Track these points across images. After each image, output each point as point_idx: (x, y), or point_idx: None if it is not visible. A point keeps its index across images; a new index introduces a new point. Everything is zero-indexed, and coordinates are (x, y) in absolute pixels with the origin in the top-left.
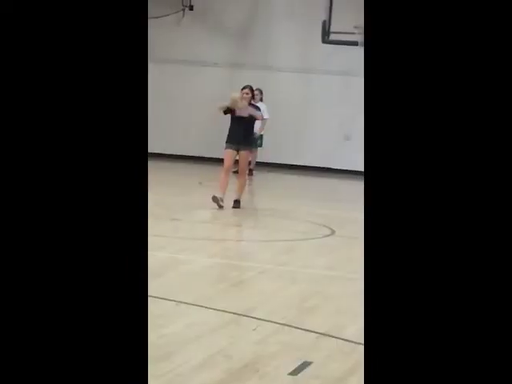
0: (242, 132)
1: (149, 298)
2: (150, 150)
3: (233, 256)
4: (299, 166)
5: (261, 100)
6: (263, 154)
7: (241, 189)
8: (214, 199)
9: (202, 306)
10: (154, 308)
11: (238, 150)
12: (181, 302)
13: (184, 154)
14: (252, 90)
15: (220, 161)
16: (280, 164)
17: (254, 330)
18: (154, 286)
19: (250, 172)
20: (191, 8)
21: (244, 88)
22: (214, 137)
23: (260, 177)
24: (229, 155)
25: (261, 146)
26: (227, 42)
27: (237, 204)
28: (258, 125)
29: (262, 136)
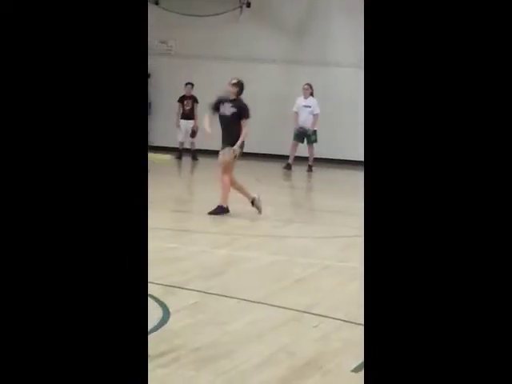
0: (224, 132)
1: (211, 296)
2: (208, 148)
3: (294, 253)
4: (357, 161)
5: (311, 95)
6: (321, 150)
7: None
8: (256, 205)
9: (263, 303)
10: (216, 305)
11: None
12: (242, 300)
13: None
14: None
15: (276, 157)
16: (338, 160)
17: (314, 326)
18: (215, 284)
19: (310, 168)
20: (248, 5)
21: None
22: (271, 133)
23: (319, 173)
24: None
25: (315, 141)
26: (285, 38)
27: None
28: (310, 120)
29: (315, 131)
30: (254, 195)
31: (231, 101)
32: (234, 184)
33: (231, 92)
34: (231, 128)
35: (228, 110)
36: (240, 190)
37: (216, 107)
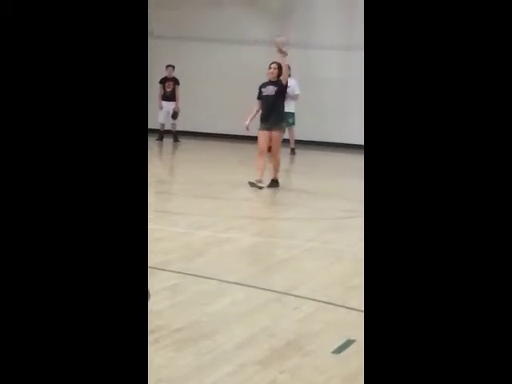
0: (269, 111)
1: (191, 277)
2: (189, 129)
3: (276, 234)
4: (341, 143)
5: (289, 76)
6: (304, 133)
7: (276, 168)
8: (252, 185)
9: (244, 285)
10: (196, 287)
11: (270, 130)
12: (223, 281)
13: (224, 132)
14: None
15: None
16: (321, 142)
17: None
18: (196, 265)
19: (293, 151)
20: None
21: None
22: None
23: (301, 155)
24: (261, 137)
25: (293, 123)
26: (268, 19)
27: (274, 183)
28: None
29: (293, 114)
30: (258, 177)
31: (273, 83)
32: (263, 159)
33: (272, 75)
34: (276, 106)
35: (271, 90)
36: (259, 163)
37: (259, 94)
